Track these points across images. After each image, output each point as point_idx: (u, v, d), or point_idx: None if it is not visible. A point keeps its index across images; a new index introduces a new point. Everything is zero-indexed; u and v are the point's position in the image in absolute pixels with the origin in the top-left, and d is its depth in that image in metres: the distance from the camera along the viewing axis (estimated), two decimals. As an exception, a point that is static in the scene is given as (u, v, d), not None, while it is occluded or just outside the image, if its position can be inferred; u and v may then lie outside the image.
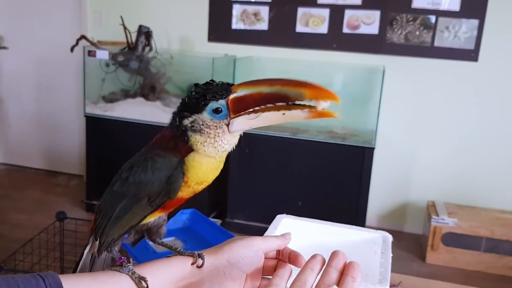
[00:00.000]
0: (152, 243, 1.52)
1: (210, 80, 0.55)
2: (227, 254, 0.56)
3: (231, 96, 0.53)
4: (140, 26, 3.45)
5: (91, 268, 0.62)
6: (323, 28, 3.52)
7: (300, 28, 3.56)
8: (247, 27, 3.67)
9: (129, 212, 0.56)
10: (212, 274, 0.55)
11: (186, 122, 0.55)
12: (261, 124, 0.53)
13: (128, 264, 0.53)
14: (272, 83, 0.52)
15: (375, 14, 3.40)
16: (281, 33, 3.61)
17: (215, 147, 0.54)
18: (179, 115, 0.56)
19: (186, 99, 0.55)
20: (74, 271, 0.63)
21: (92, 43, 3.50)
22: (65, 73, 4.24)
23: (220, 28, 3.75)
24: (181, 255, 0.57)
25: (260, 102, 0.52)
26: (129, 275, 0.52)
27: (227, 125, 0.54)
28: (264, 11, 3.60)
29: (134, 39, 3.47)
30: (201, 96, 0.54)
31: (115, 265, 0.56)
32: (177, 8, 3.82)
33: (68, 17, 4.12)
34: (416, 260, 3.21)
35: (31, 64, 4.35)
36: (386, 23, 3.39)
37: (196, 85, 0.55)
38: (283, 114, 0.52)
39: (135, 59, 3.51)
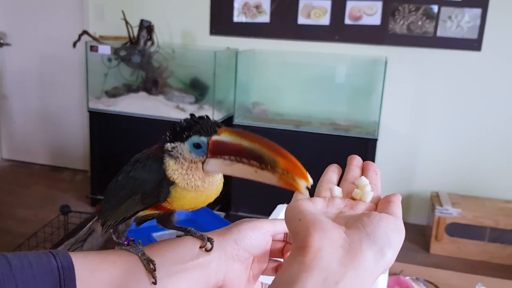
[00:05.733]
0: (155, 235, 1.53)
1: (205, 115, 0.56)
2: (235, 236, 0.58)
3: (214, 138, 0.53)
4: (142, 21, 3.45)
5: (88, 236, 0.65)
6: (325, 20, 3.51)
7: (302, 20, 3.55)
8: (249, 20, 3.66)
9: (123, 204, 0.58)
10: (220, 255, 0.56)
11: (168, 146, 0.56)
12: (234, 173, 0.54)
13: (139, 246, 0.55)
14: (253, 140, 0.52)
15: (377, 5, 3.38)
16: (283, 25, 3.60)
17: (184, 179, 0.55)
18: (166, 138, 0.57)
19: (177, 125, 0.56)
20: (73, 234, 0.64)
21: (94, 38, 3.50)
22: (68, 68, 4.25)
23: (221, 21, 3.74)
24: (191, 235, 0.58)
25: (237, 154, 0.53)
26: (138, 256, 0.54)
27: (203, 162, 0.54)
28: (266, 3, 3.59)
29: (136, 33, 3.47)
30: (188, 127, 0.55)
31: (117, 243, 0.57)
32: (178, 2, 3.81)
33: (70, 13, 4.12)
34: (421, 251, 3.22)
35: (34, 61, 4.36)
36: (388, 13, 3.38)
37: (191, 115, 0.56)
38: (255, 171, 0.53)
39: (137, 53, 3.51)
